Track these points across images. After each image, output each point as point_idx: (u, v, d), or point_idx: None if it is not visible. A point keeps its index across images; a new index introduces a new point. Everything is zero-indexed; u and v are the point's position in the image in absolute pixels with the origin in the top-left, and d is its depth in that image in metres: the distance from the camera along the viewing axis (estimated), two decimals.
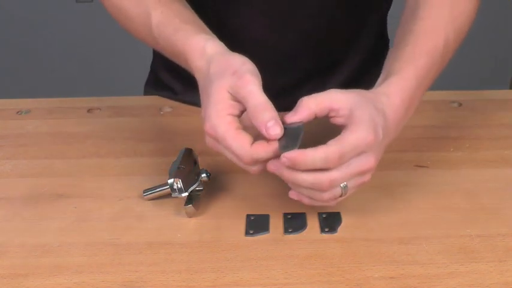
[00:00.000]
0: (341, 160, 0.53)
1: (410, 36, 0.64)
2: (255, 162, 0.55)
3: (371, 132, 0.54)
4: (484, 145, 0.76)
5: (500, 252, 0.56)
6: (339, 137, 0.54)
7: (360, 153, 0.54)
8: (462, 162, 0.71)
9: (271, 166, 0.55)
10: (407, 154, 0.73)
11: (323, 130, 0.57)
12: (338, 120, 0.56)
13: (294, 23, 0.81)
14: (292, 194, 0.58)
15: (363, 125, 0.54)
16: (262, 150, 0.54)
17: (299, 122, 0.55)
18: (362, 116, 0.55)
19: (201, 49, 0.61)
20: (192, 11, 0.70)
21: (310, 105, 0.56)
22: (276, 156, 0.54)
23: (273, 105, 0.55)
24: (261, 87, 0.56)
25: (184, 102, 0.87)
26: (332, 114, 0.57)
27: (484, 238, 0.57)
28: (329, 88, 0.58)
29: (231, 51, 0.60)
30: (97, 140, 0.78)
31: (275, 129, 0.53)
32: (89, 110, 0.87)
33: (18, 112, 0.87)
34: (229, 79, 0.56)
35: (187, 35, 0.63)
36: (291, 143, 0.53)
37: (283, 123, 0.55)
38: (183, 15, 0.67)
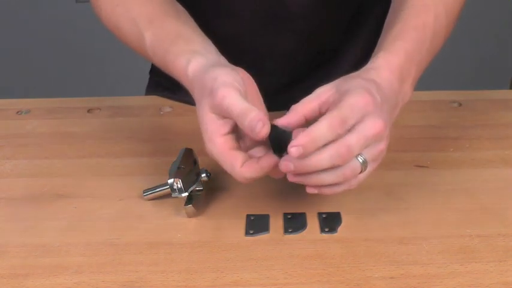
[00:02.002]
0: (344, 124, 0.52)
1: (399, 15, 0.64)
2: (247, 180, 0.56)
3: (365, 94, 0.53)
4: (484, 145, 0.76)
5: (500, 252, 0.55)
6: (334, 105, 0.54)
7: (362, 116, 0.53)
8: (462, 162, 0.71)
9: (284, 168, 0.53)
10: (407, 154, 0.73)
11: None
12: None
13: (287, 25, 0.81)
14: (310, 189, 0.56)
15: (354, 91, 0.53)
16: (249, 170, 0.55)
17: (287, 127, 0.55)
18: (351, 86, 0.54)
19: (184, 72, 0.61)
20: (187, 18, 0.69)
21: (298, 109, 0.56)
22: (264, 173, 0.55)
23: (254, 108, 0.53)
24: (240, 92, 0.55)
25: (184, 102, 0.87)
26: (324, 107, 0.56)
27: (484, 238, 0.57)
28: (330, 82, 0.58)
29: (210, 65, 0.59)
30: (97, 140, 0.78)
31: (259, 127, 0.52)
32: (89, 110, 0.87)
33: (18, 112, 0.87)
34: (208, 101, 0.56)
35: (173, 57, 0.63)
36: (284, 145, 0.53)
37: (275, 125, 0.55)
38: (173, 32, 0.66)
